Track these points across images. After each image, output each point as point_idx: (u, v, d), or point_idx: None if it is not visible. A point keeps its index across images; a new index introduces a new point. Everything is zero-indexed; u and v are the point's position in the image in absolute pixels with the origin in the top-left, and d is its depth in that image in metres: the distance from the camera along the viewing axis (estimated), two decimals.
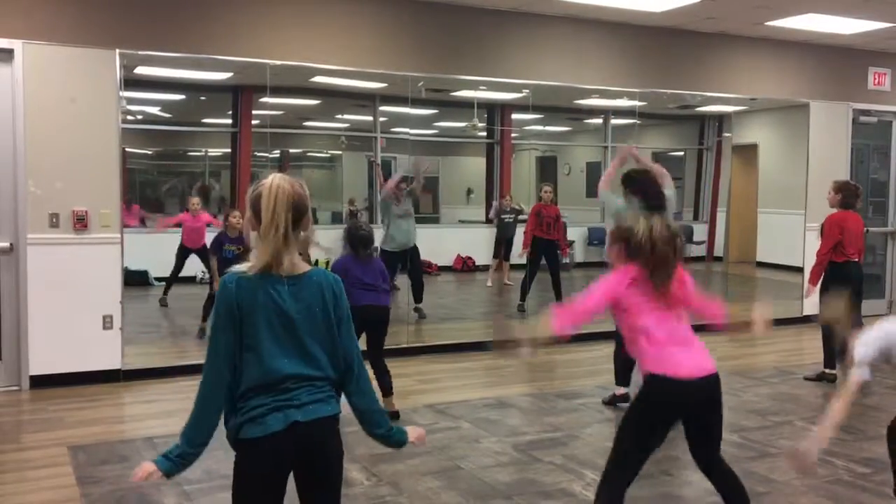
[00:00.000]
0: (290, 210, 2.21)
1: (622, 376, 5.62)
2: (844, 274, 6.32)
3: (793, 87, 9.17)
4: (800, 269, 9.32)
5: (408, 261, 8.35)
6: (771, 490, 4.13)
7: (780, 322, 9.03)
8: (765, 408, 5.69)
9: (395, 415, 5.19)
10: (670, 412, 3.01)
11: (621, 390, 5.59)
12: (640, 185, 5.32)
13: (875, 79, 9.56)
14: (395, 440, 2.45)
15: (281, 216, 2.19)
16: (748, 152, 10.90)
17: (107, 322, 6.21)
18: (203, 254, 7.89)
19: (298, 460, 2.28)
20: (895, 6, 7.38)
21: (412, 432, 2.49)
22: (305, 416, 2.23)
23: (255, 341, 2.23)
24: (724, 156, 11.01)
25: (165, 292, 8.62)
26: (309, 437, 2.25)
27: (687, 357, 2.95)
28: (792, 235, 9.39)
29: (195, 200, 8.58)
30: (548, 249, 9.13)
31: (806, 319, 8.46)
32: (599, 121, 12.42)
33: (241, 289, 2.23)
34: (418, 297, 8.40)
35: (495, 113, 11.54)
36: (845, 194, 6.40)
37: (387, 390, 5.18)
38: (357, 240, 5.16)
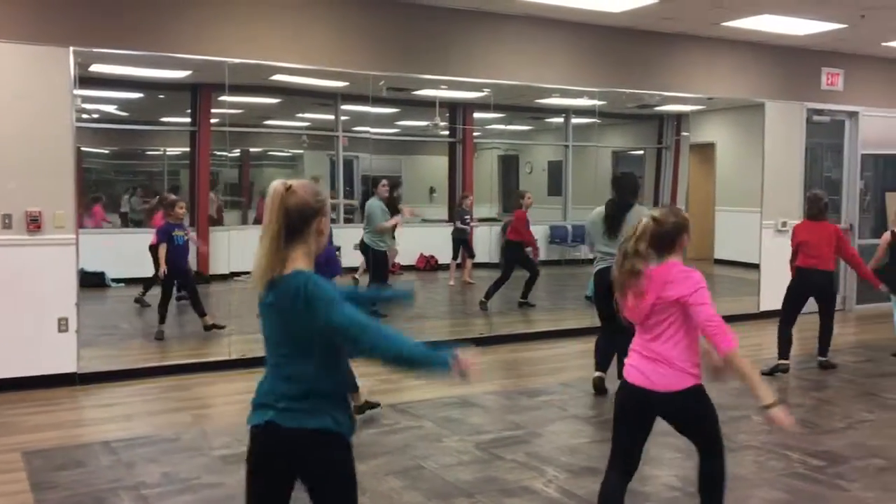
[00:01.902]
0: (280, 216, 2.19)
1: (602, 363, 5.91)
2: (802, 279, 6.62)
3: (748, 87, 9.32)
4: (756, 266, 9.49)
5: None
6: (729, 484, 4.18)
7: (737, 318, 9.24)
8: (722, 402, 5.71)
9: (359, 408, 5.18)
10: None
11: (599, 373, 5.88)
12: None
13: (828, 79, 9.76)
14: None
15: (269, 223, 2.20)
16: (706, 151, 11.06)
17: (62, 325, 6.10)
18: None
19: (286, 468, 2.28)
20: (846, 8, 7.54)
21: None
22: (282, 422, 2.24)
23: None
24: (683, 154, 11.15)
25: (144, 293, 8.49)
26: (284, 443, 2.25)
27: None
28: (748, 233, 9.55)
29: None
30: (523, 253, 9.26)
31: (763, 315, 8.62)
32: (560, 120, 12.50)
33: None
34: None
35: (457, 112, 11.54)
36: (808, 205, 6.84)
37: (351, 388, 5.15)
38: None
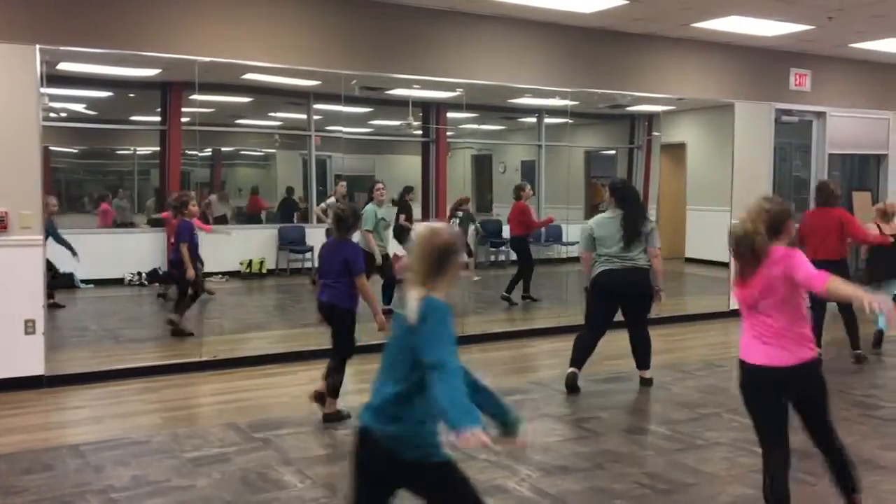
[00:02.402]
0: (426, 256, 2.57)
1: (579, 360, 6.02)
2: None
3: (718, 87, 9.41)
4: (726, 265, 9.58)
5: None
6: (699, 481, 4.24)
7: (708, 316, 9.31)
8: (693, 400, 5.83)
9: (336, 415, 5.19)
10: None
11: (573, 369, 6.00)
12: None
13: (796, 79, 9.89)
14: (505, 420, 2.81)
15: (416, 262, 2.57)
16: (677, 151, 11.16)
17: (29, 327, 5.99)
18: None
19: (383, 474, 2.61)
20: (813, 9, 7.64)
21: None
22: (372, 425, 2.58)
23: None
24: (654, 154, 11.24)
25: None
26: (367, 444, 2.61)
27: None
28: (719, 232, 9.62)
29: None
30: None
31: (732, 314, 8.70)
32: (533, 120, 12.55)
33: None
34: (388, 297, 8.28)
35: (430, 111, 11.55)
36: (816, 194, 7.00)
37: (329, 391, 5.16)
38: (334, 218, 5.19)
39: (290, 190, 12.29)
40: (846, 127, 10.35)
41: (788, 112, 9.93)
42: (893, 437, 4.98)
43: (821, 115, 10.21)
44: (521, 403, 5.68)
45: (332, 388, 5.17)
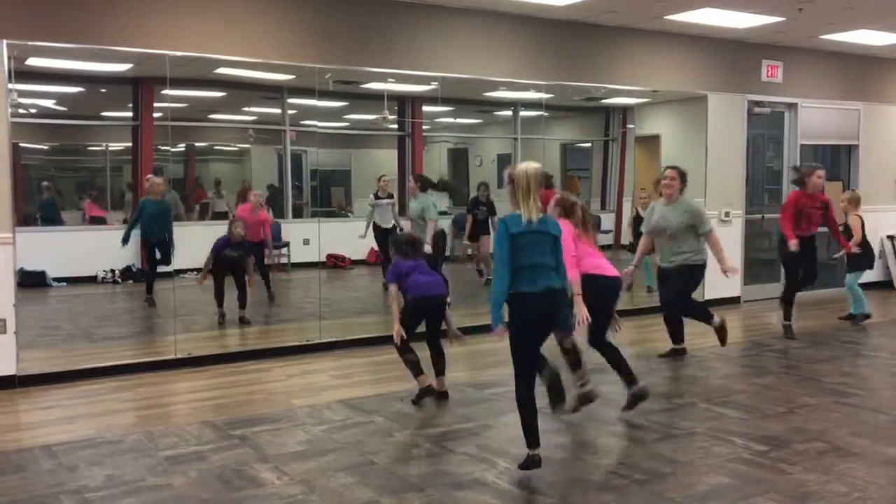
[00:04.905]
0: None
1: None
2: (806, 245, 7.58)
3: (691, 79, 9.47)
4: None
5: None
6: (675, 470, 4.27)
7: None
8: (668, 390, 5.87)
9: (444, 394, 5.59)
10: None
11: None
12: None
13: (768, 71, 9.98)
14: None
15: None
16: (651, 143, 11.20)
17: (0, 326, 5.91)
18: (256, 249, 8.33)
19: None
20: (784, 1, 7.70)
21: None
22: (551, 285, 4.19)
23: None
24: (629, 146, 11.28)
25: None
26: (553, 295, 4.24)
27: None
28: None
29: (256, 193, 8.69)
30: None
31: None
32: (509, 113, 12.55)
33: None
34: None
35: (406, 105, 11.51)
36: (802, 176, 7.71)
37: (440, 370, 5.65)
38: (400, 244, 5.70)
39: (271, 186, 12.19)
40: (817, 118, 10.46)
41: (760, 103, 10.02)
42: (865, 425, 5.04)
43: (792, 106, 10.31)
44: (499, 396, 5.69)
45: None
